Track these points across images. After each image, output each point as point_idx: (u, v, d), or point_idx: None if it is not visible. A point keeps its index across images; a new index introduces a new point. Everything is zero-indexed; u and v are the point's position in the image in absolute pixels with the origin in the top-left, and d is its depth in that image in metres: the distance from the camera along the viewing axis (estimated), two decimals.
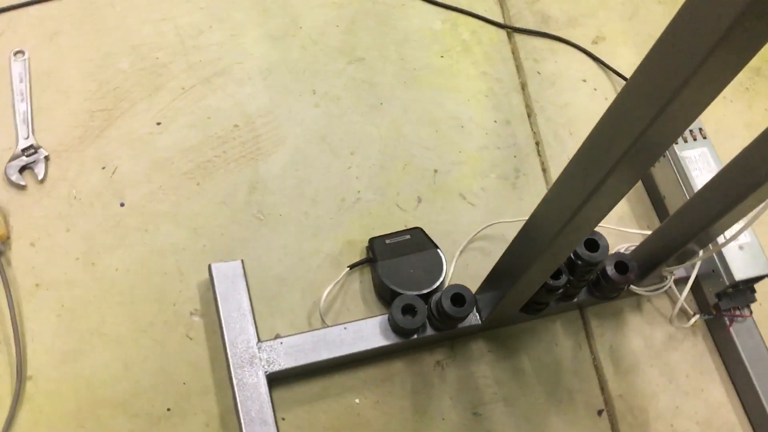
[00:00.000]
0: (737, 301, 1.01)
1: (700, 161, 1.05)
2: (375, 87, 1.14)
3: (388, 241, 1.01)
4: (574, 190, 0.68)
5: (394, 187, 1.08)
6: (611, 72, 1.21)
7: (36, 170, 0.99)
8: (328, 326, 0.95)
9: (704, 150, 1.05)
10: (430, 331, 0.95)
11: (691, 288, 1.04)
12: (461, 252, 1.04)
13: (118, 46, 1.10)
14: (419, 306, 0.93)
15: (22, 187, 0.99)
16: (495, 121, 1.15)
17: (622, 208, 1.12)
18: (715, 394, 1.03)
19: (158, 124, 1.06)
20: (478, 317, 0.96)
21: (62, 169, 1.01)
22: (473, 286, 1.00)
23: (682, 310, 1.05)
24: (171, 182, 1.02)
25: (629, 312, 1.05)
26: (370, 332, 0.94)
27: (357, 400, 0.95)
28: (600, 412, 0.99)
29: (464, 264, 1.04)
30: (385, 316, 0.96)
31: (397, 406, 0.95)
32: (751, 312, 1.02)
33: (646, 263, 0.98)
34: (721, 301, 1.01)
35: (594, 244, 0.91)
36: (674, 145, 1.05)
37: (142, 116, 1.06)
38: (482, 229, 1.05)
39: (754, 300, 1.02)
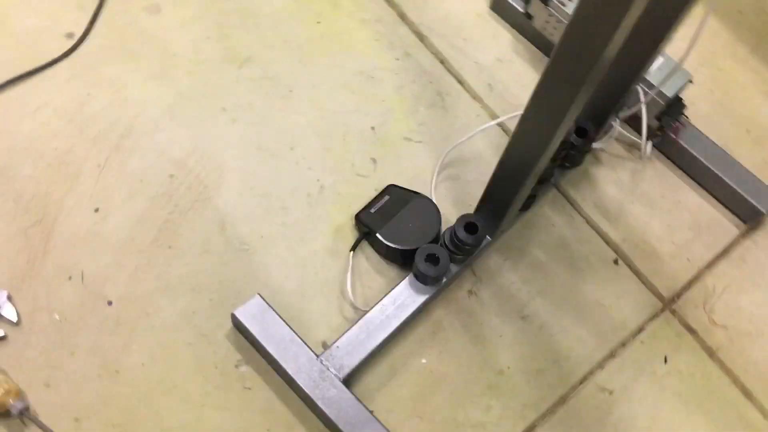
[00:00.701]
0: (674, 114, 1.11)
1: None
2: (276, 78, 1.12)
3: (372, 210, 1.02)
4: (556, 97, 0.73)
5: (347, 160, 1.08)
6: None
7: (6, 315, 0.91)
8: (365, 311, 0.95)
9: None
10: (453, 268, 0.99)
11: (632, 125, 1.13)
12: (435, 188, 1.07)
13: (9, 155, 1.01)
14: (438, 251, 0.96)
15: (3, 338, 0.90)
16: (396, 59, 1.17)
17: None
18: (690, 200, 1.13)
19: (96, 210, 0.99)
20: (488, 236, 1.00)
21: (31, 301, 0.93)
22: (461, 211, 1.04)
23: (635, 146, 1.14)
24: (143, 258, 0.97)
25: (594, 169, 1.13)
26: (405, 297, 0.96)
27: (423, 360, 0.97)
28: (615, 261, 1.08)
29: (443, 196, 1.07)
30: (407, 277, 0.98)
31: (458, 347, 0.98)
32: (687, 118, 1.13)
33: (595, 122, 1.06)
34: (662, 121, 1.11)
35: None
36: (562, 6, 1.12)
37: (77, 211, 0.99)
38: (442, 160, 1.09)
39: (685, 107, 1.12)
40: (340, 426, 0.87)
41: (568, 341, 1.01)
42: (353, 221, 1.03)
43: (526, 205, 1.05)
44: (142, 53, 1.11)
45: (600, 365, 1.01)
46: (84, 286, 0.95)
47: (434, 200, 1.04)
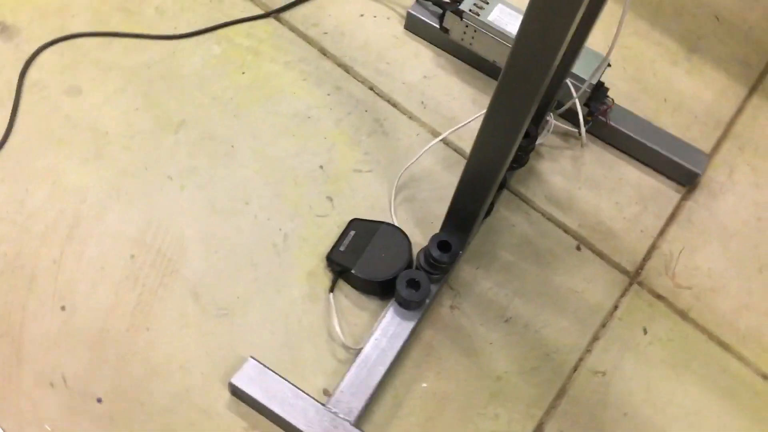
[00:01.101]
0: (599, 98, 1.17)
1: (504, 17, 1.16)
2: (215, 136, 1.11)
3: (341, 248, 1.02)
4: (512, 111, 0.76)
5: (303, 204, 1.08)
6: None
7: None
8: (359, 349, 0.96)
9: (500, 6, 1.17)
10: (432, 288, 1.00)
11: (565, 116, 1.18)
12: (395, 213, 1.08)
13: None
14: (417, 275, 0.97)
15: None
16: (328, 95, 1.18)
17: (469, 90, 1.21)
18: (631, 175, 1.19)
19: (63, 308, 0.96)
20: (459, 250, 1.02)
21: (16, 417, 0.89)
22: (426, 231, 1.06)
23: (569, 135, 1.19)
24: (123, 347, 0.94)
25: (538, 164, 1.17)
26: (395, 326, 0.97)
27: (424, 385, 0.98)
28: (578, 247, 1.12)
29: (404, 220, 1.09)
30: (391, 306, 0.99)
31: (453, 364, 1.00)
32: (612, 100, 1.18)
33: (535, 122, 1.10)
34: (590, 106, 1.16)
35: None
36: (476, 16, 1.15)
37: (43, 313, 0.95)
38: (396, 184, 1.10)
39: (607, 89, 1.18)
40: None
41: (553, 334, 1.05)
42: (325, 263, 1.03)
43: (487, 212, 1.08)
44: (72, 138, 1.07)
45: (587, 350, 1.05)
46: (69, 389, 0.91)
47: (397, 225, 1.06)
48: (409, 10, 1.23)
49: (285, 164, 1.10)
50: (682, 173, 1.18)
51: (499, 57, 1.18)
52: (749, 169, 1.24)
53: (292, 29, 1.23)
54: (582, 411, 1.00)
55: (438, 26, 1.21)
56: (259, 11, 1.23)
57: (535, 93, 0.74)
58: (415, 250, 1.03)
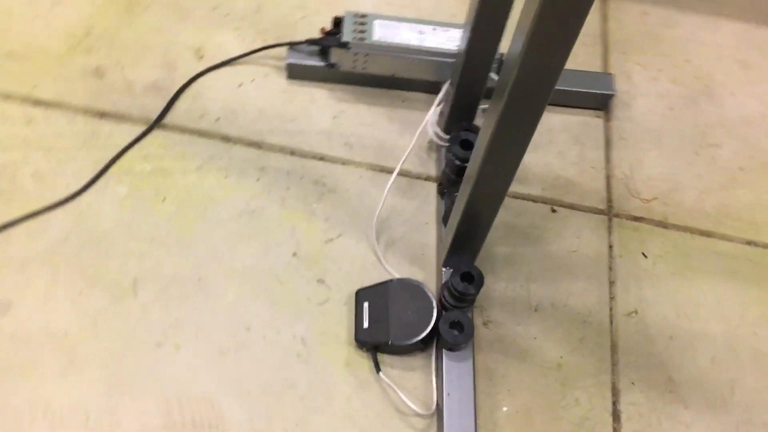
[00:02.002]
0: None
1: (388, 31, 1.13)
2: (176, 278, 1.01)
3: (365, 326, 0.99)
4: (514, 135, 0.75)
5: (299, 300, 1.02)
6: (232, 64, 1.20)
7: None
8: (434, 411, 0.94)
9: (378, 22, 1.14)
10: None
11: None
12: (387, 264, 1.05)
13: None
14: (456, 316, 0.96)
15: None
16: (257, 180, 1.10)
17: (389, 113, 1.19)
18: (555, 121, 1.23)
19: None
20: None
21: None
22: (423, 264, 1.05)
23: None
24: None
25: None
26: (456, 372, 0.96)
27: (504, 408, 0.98)
28: (553, 210, 1.15)
29: (400, 266, 1.06)
30: (442, 354, 0.97)
31: (516, 375, 1.01)
32: None
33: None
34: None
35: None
36: (362, 41, 1.12)
37: None
38: (375, 237, 1.07)
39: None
40: None
41: (577, 300, 1.08)
42: (354, 346, 0.99)
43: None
44: (34, 358, 0.94)
45: (611, 297, 1.09)
46: None
47: (398, 276, 1.03)
48: (288, 61, 1.17)
49: (260, 270, 1.03)
50: (598, 100, 1.24)
51: (398, 69, 1.16)
52: (640, 68, 1.32)
53: (183, 131, 1.13)
54: (638, 355, 1.05)
55: (324, 64, 1.16)
56: (139, 129, 1.12)
57: (538, 114, 0.74)
58: (427, 288, 1.02)
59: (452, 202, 1.00)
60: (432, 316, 0.98)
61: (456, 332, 0.95)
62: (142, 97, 1.15)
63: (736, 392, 1.04)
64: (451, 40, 1.13)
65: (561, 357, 1.03)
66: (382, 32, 1.13)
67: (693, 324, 1.08)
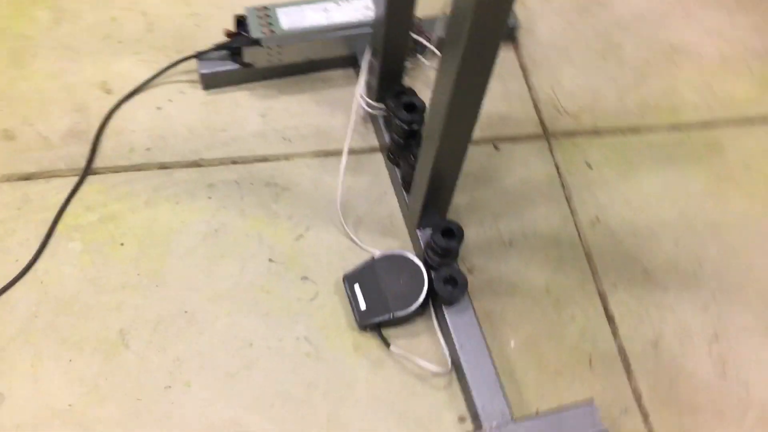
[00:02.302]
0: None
1: (294, 16, 1.12)
2: (163, 318, 0.99)
3: (363, 308, 1.00)
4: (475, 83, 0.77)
5: (291, 302, 1.02)
6: (144, 90, 1.16)
7: None
8: (452, 367, 0.97)
9: (282, 10, 1.12)
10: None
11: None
12: (363, 243, 1.07)
13: None
14: (449, 272, 0.98)
15: None
16: (209, 198, 1.08)
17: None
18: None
19: None
20: None
21: None
22: (397, 234, 1.07)
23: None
24: None
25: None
26: (462, 324, 0.99)
27: (512, 343, 1.03)
28: (495, 147, 1.19)
29: (375, 241, 1.07)
30: (443, 311, 0.99)
31: (512, 311, 1.05)
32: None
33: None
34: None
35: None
36: (273, 33, 1.10)
37: None
38: (341, 221, 1.07)
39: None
40: None
41: (544, 224, 1.13)
42: (358, 331, 1.00)
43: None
44: None
45: (572, 211, 1.14)
46: None
47: (379, 253, 1.04)
48: (201, 72, 1.14)
49: (242, 286, 1.02)
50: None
51: (313, 52, 1.16)
52: None
53: (117, 170, 1.09)
54: (611, 257, 1.11)
55: (238, 65, 1.14)
56: (71, 181, 1.07)
57: (495, 54, 0.75)
58: (410, 254, 1.04)
59: (410, 166, 1.02)
60: (423, 278, 1.00)
61: (451, 287, 0.98)
62: (63, 148, 1.09)
63: (703, 265, 1.12)
64: (357, 10, 1.13)
65: (547, 281, 1.08)
66: (289, 20, 1.11)
67: (649, 215, 1.16)
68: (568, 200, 1.15)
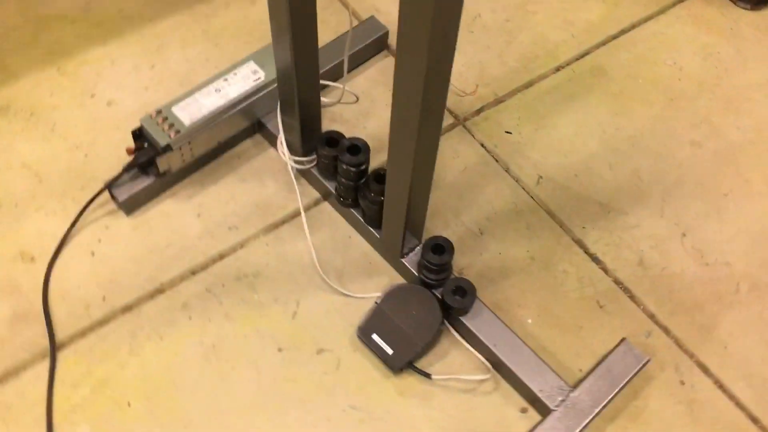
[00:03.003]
0: None
1: (191, 108, 1.08)
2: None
3: (390, 352, 1.00)
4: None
5: (325, 380, 1.00)
6: (67, 244, 1.08)
7: None
8: (491, 367, 1.00)
9: (176, 107, 1.08)
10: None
11: None
12: (354, 292, 1.06)
13: None
14: (456, 284, 1.00)
15: None
16: (190, 317, 1.03)
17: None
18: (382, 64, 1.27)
19: None
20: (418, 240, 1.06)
21: None
22: (382, 270, 1.07)
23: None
24: None
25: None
26: (483, 324, 1.01)
27: (529, 320, 1.07)
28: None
29: (362, 286, 1.07)
30: (461, 322, 1.02)
31: (514, 287, 1.09)
32: None
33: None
34: None
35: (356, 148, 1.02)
36: (178, 133, 1.06)
37: None
38: (326, 280, 1.06)
39: None
40: None
41: (498, 201, 1.17)
42: (397, 375, 1.00)
43: None
44: None
45: (517, 180, 1.19)
46: None
47: (379, 295, 1.04)
48: (120, 200, 1.08)
49: (264, 387, 0.99)
50: (380, 42, 1.29)
51: (221, 135, 1.13)
52: None
53: (84, 332, 1.01)
54: (568, 205, 1.17)
55: (155, 176, 1.09)
56: (43, 366, 0.98)
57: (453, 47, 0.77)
58: (408, 284, 1.05)
59: (372, 202, 1.02)
60: (432, 300, 1.01)
61: (460, 297, 1.00)
62: (16, 337, 1.00)
63: (642, 176, 1.21)
64: (247, 78, 1.11)
65: (527, 251, 1.13)
66: (187, 114, 1.07)
67: (578, 154, 1.23)
68: (507, 171, 1.20)
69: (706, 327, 1.08)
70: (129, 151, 1.07)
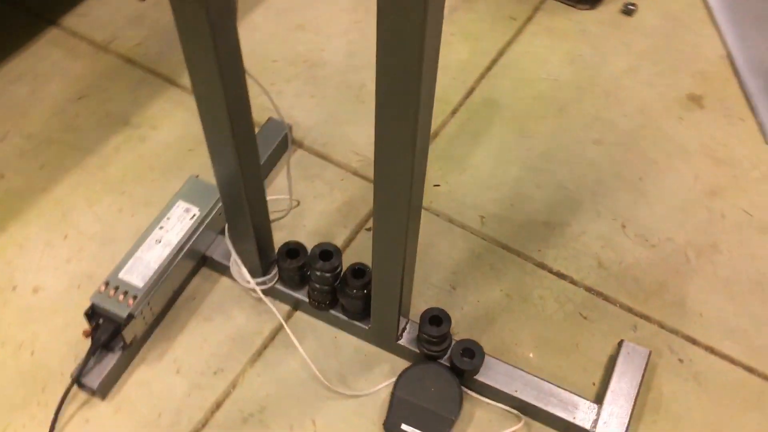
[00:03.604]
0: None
1: (131, 272, 1.02)
2: None
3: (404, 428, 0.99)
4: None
5: None
6: None
7: None
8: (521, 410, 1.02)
9: (125, 271, 1.02)
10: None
11: None
12: (354, 386, 1.04)
13: None
14: (464, 346, 1.01)
15: None
16: None
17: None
18: None
19: None
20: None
21: None
22: (387, 358, 1.07)
23: None
24: None
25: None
26: (500, 375, 1.03)
27: (531, 355, 1.10)
28: (367, 229, 1.22)
29: (367, 381, 1.05)
30: (482, 380, 1.03)
31: (511, 332, 1.11)
32: None
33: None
34: None
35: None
36: (135, 298, 1.00)
37: None
38: (324, 383, 1.04)
39: None
40: None
41: (454, 251, 1.20)
42: None
43: None
44: None
45: (465, 227, 1.23)
46: None
47: (388, 384, 1.03)
48: (92, 388, 0.99)
49: None
50: (282, 146, 1.29)
51: (174, 282, 1.08)
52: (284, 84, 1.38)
53: None
54: (517, 234, 1.22)
55: (122, 349, 1.02)
56: None
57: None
58: (418, 365, 1.05)
59: (354, 298, 1.02)
60: (445, 371, 1.02)
61: (470, 359, 1.01)
62: None
63: (567, 185, 1.29)
64: (182, 219, 1.07)
65: (501, 290, 1.16)
66: (137, 275, 1.01)
67: (505, 184, 1.29)
68: (451, 222, 1.24)
69: (677, 302, 1.16)
70: (86, 333, 1.00)
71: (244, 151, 0.89)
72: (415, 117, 0.69)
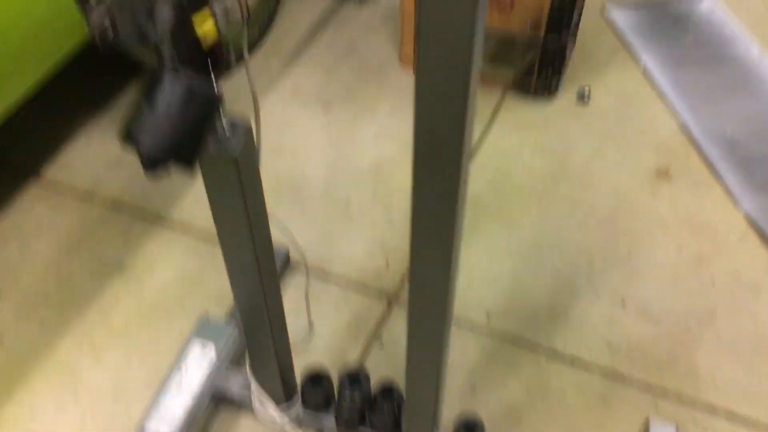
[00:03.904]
0: None
1: (163, 419, 1.00)
2: None
3: None
4: None
5: None
6: None
7: None
8: None
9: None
10: None
11: None
12: None
13: None
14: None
15: None
16: None
17: None
18: None
19: None
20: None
21: None
22: None
23: None
24: None
25: None
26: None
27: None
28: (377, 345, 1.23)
29: None
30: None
31: (507, 408, 1.12)
32: None
33: None
34: None
35: None
36: None
37: None
38: None
39: None
40: None
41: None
42: None
43: None
44: None
45: (459, 327, 1.25)
46: None
47: None
48: None
49: None
50: (283, 262, 1.30)
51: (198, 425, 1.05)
52: None
53: None
54: (517, 323, 1.25)
55: None
56: None
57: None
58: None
59: (388, 414, 1.02)
60: None
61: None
62: None
63: (561, 270, 1.33)
64: (200, 356, 1.06)
65: (520, 384, 1.18)
66: (165, 424, 1.00)
67: (503, 278, 1.32)
68: (458, 323, 1.25)
69: (690, 371, 1.19)
70: None
71: (268, 284, 0.91)
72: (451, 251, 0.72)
